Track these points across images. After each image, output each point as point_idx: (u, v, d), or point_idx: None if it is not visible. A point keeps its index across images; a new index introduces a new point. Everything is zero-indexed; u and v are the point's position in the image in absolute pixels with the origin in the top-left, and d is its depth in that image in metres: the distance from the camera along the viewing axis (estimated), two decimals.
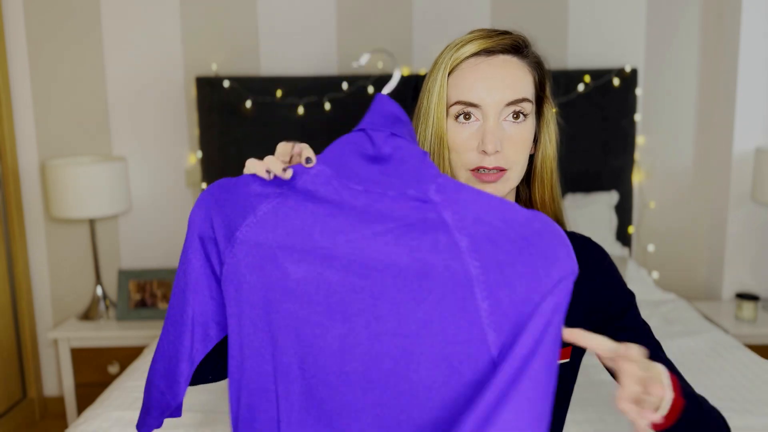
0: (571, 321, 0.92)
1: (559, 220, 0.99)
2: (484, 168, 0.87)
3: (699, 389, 1.76)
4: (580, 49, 2.65)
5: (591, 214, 2.50)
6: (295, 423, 0.75)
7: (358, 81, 2.54)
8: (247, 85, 2.54)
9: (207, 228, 0.79)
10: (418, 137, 0.92)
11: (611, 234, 2.56)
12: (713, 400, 1.65)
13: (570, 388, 0.99)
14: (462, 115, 0.89)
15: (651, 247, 2.75)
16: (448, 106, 0.89)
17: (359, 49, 2.62)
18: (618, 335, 0.93)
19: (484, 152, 0.86)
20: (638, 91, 2.62)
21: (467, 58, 0.88)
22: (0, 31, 2.53)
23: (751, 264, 2.65)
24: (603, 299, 0.94)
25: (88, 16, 2.58)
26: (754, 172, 2.53)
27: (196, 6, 2.60)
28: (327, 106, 2.55)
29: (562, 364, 0.93)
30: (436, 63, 0.91)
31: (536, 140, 0.95)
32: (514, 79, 0.88)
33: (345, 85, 2.54)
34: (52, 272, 2.73)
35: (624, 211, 2.64)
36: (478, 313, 0.67)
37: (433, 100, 0.89)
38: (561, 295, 0.64)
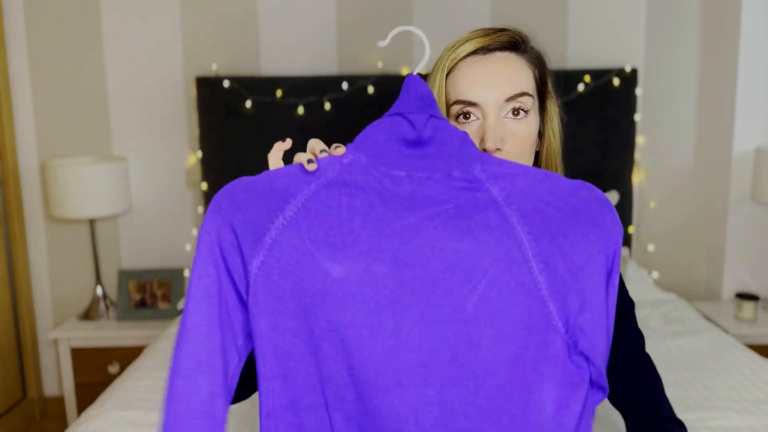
0: None
1: None
2: None
3: (699, 389, 1.76)
4: (580, 49, 2.65)
5: None
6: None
7: (358, 81, 2.54)
8: (247, 85, 2.54)
9: (227, 234, 0.70)
10: None
11: None
12: (713, 400, 1.65)
13: None
14: (462, 115, 0.88)
15: (651, 247, 2.75)
16: (448, 106, 0.89)
17: (359, 49, 2.62)
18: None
19: (486, 150, 0.86)
20: (638, 91, 2.62)
21: (464, 57, 0.88)
22: (0, 31, 2.53)
23: (751, 264, 2.65)
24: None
25: (88, 16, 2.58)
26: (754, 172, 2.53)
27: (196, 6, 2.60)
28: (327, 106, 2.55)
29: None
30: (435, 64, 0.92)
31: (541, 136, 0.95)
32: (512, 74, 0.87)
33: (345, 85, 2.54)
34: (52, 272, 2.73)
35: (624, 211, 2.64)
36: (537, 286, 0.66)
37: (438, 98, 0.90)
38: (612, 251, 0.67)
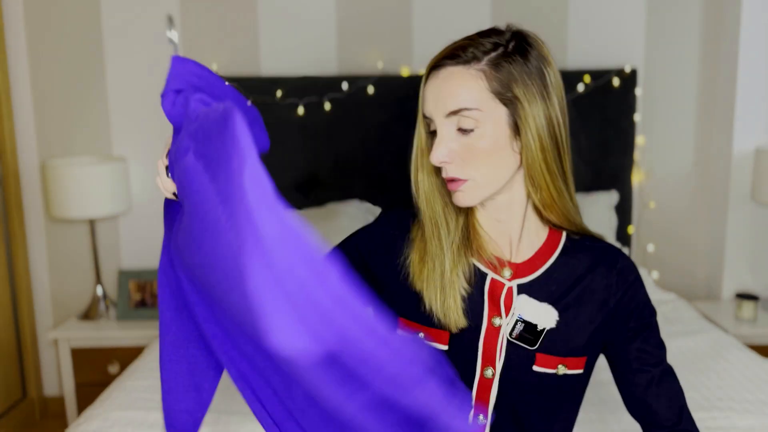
0: (591, 320, 0.94)
1: (570, 219, 0.95)
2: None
3: (699, 389, 1.76)
4: (580, 49, 2.65)
5: (591, 214, 2.50)
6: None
7: (358, 81, 2.54)
8: (247, 85, 2.54)
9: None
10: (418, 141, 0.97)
11: (611, 234, 2.56)
12: (713, 400, 1.65)
13: (581, 398, 0.99)
14: (430, 126, 0.92)
15: (651, 247, 2.75)
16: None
17: (359, 49, 2.62)
18: (627, 346, 0.94)
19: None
20: (638, 91, 2.62)
21: (429, 73, 0.91)
22: (0, 31, 2.53)
23: (751, 264, 2.65)
24: (624, 310, 0.95)
25: (89, 16, 2.58)
26: (754, 172, 2.53)
27: (196, 6, 2.60)
28: (327, 106, 2.55)
29: (576, 375, 0.94)
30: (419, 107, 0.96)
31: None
32: (451, 90, 0.87)
33: (345, 85, 2.54)
34: (52, 272, 2.73)
35: (624, 211, 2.64)
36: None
37: (419, 111, 0.94)
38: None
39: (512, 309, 0.92)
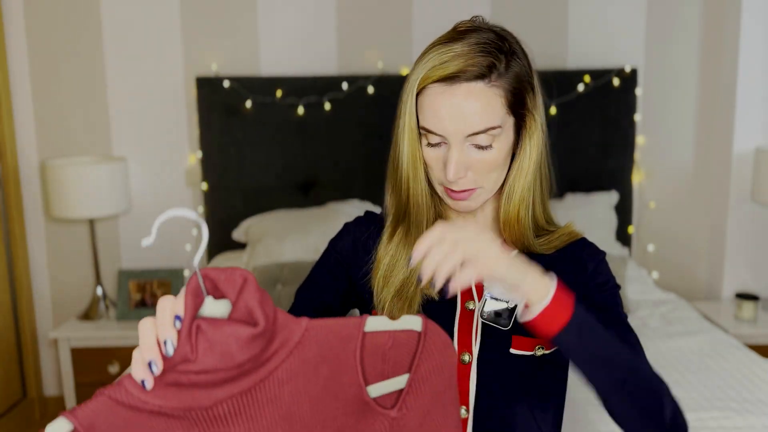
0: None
1: (522, 240, 0.94)
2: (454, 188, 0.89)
3: (699, 389, 1.76)
4: (580, 49, 2.65)
5: (591, 214, 2.50)
6: None
7: (358, 81, 2.54)
8: (247, 85, 2.54)
9: None
10: (395, 152, 0.92)
11: (611, 234, 2.56)
12: (713, 400, 1.65)
13: (563, 387, 0.98)
14: (429, 139, 0.89)
15: (651, 247, 2.75)
16: (419, 127, 0.89)
17: (359, 49, 2.62)
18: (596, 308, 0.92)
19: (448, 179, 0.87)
20: (638, 91, 2.62)
21: (432, 82, 0.85)
22: (0, 31, 2.53)
23: (751, 264, 2.65)
24: (591, 285, 0.95)
25: (89, 16, 2.58)
26: (754, 172, 2.52)
27: (196, 6, 2.60)
28: (327, 106, 2.55)
29: (553, 354, 0.93)
30: (407, 78, 0.89)
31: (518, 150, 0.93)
32: (475, 109, 0.84)
33: (345, 85, 2.54)
34: (52, 272, 2.73)
35: (624, 211, 2.64)
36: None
37: (405, 120, 0.89)
38: None
39: (484, 290, 0.93)
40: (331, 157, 2.60)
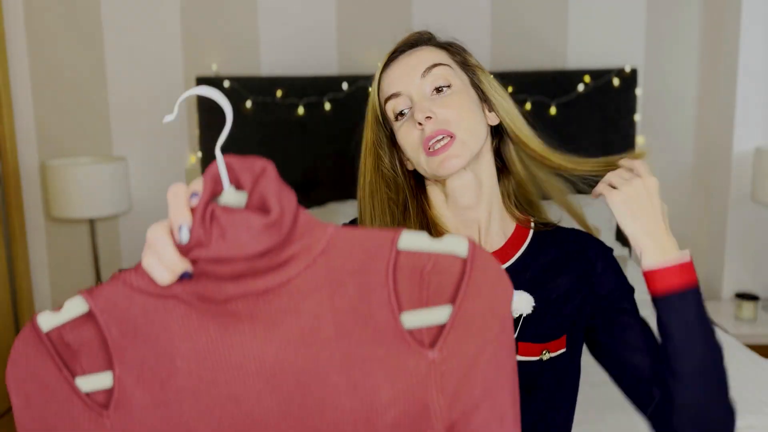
0: (567, 300, 0.93)
1: (536, 210, 1.02)
2: (430, 139, 0.89)
3: None
4: (580, 49, 2.65)
5: (591, 214, 2.49)
6: None
7: (358, 81, 2.54)
8: (247, 85, 2.54)
9: None
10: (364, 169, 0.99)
11: (611, 234, 2.55)
12: None
13: (574, 383, 0.97)
14: (398, 115, 0.93)
15: None
16: (384, 114, 0.96)
17: (359, 49, 2.62)
18: (618, 318, 0.93)
19: (420, 124, 0.89)
20: (638, 91, 2.62)
21: (383, 71, 0.97)
22: (0, 31, 2.53)
23: (751, 264, 2.65)
24: (604, 287, 0.95)
25: (89, 16, 2.58)
26: (754, 172, 2.53)
27: (196, 6, 2.60)
28: (327, 106, 2.55)
29: (561, 356, 0.93)
30: (366, 117, 1.01)
31: (493, 110, 0.97)
32: (420, 56, 0.93)
33: (345, 85, 2.54)
34: (52, 272, 2.73)
35: None
36: None
37: (371, 110, 1.00)
38: None
39: None
40: (331, 157, 2.60)
